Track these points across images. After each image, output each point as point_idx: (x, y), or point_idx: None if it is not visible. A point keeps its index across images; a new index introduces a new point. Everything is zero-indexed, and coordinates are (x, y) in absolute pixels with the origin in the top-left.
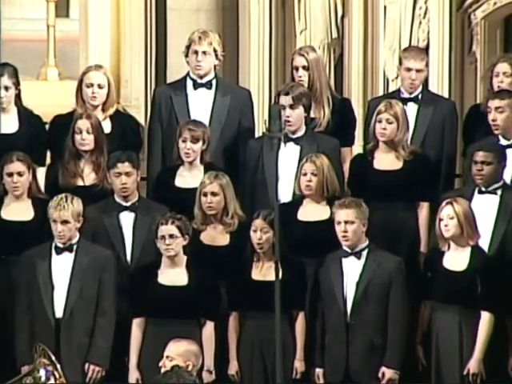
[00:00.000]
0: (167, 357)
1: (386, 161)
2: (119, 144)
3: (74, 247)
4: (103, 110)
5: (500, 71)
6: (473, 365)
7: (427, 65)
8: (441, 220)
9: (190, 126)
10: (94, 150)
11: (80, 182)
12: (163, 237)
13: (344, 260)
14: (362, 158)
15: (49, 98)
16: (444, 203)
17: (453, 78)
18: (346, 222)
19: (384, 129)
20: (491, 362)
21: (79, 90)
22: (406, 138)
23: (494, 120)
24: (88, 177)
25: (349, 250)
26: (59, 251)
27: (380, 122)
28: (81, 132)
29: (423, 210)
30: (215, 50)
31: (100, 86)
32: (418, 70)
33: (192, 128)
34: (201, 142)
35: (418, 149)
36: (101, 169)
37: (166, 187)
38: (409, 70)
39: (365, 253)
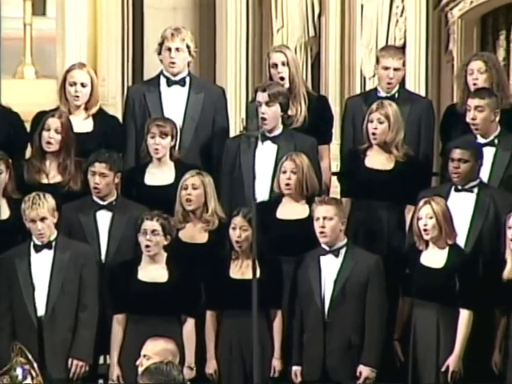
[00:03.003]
0: (144, 355)
1: (377, 160)
2: (100, 144)
3: (53, 244)
4: (86, 109)
5: (474, 68)
6: (452, 362)
7: (404, 64)
8: (419, 219)
9: (157, 121)
10: (60, 151)
11: (44, 180)
12: (145, 232)
13: (322, 258)
14: (353, 154)
15: (26, 96)
16: (422, 202)
17: (429, 76)
18: (324, 218)
19: (375, 128)
20: (470, 359)
21: (62, 88)
22: (400, 138)
23: (473, 119)
24: (53, 176)
25: (327, 248)
26: (38, 249)
27: (371, 121)
28: (49, 130)
29: (410, 212)
30: (188, 47)
31: (83, 85)
32: (395, 69)
33: (160, 123)
34: (169, 138)
35: (412, 151)
36: (66, 170)
37: (136, 185)
38: (386, 68)
39: (343, 251)
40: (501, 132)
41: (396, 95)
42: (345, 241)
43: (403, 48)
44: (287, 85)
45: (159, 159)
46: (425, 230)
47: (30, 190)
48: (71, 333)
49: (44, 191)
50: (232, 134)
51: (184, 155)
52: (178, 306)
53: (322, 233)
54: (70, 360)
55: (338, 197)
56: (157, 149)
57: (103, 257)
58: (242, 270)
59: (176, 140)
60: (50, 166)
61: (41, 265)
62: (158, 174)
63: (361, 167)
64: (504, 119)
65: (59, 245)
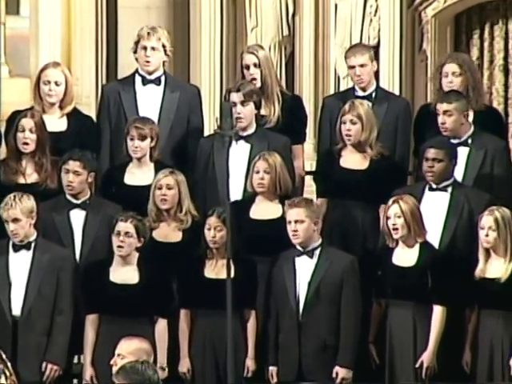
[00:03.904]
0: (118, 355)
1: (352, 160)
2: (74, 143)
3: (32, 245)
4: (60, 108)
5: (449, 71)
6: (426, 358)
7: (371, 58)
8: (388, 218)
9: (136, 123)
10: (36, 150)
11: (21, 180)
12: (119, 233)
13: (297, 259)
14: (329, 154)
15: None
16: (391, 201)
17: (403, 75)
18: (296, 222)
19: (348, 130)
20: (444, 355)
21: (37, 87)
22: (373, 137)
23: (442, 123)
24: (30, 175)
25: (301, 249)
26: (17, 248)
27: (344, 123)
28: (23, 130)
29: None
30: (164, 46)
31: (57, 84)
32: (361, 65)
33: (139, 126)
34: (148, 140)
35: (386, 150)
36: (43, 169)
37: (115, 184)
38: (352, 67)
39: (317, 252)
40: (474, 132)
41: (373, 94)
42: (319, 241)
43: (377, 47)
44: (259, 85)
45: (139, 159)
46: (394, 229)
47: (9, 191)
48: (46, 336)
49: (22, 191)
50: (206, 133)
51: (160, 154)
52: (149, 306)
53: (294, 235)
54: (44, 364)
55: (314, 196)
56: (136, 151)
57: (78, 256)
58: (216, 269)
59: (156, 141)
60: (26, 166)
61: (19, 265)
62: (138, 174)
63: (336, 167)
64: (478, 119)
65: (38, 247)
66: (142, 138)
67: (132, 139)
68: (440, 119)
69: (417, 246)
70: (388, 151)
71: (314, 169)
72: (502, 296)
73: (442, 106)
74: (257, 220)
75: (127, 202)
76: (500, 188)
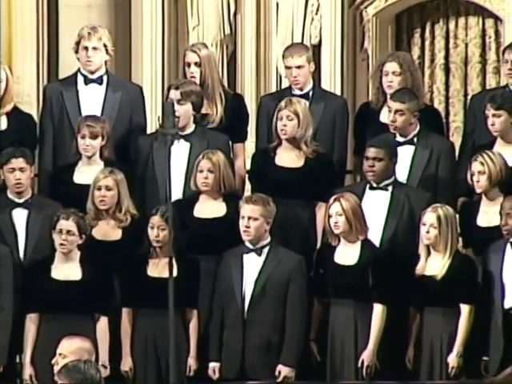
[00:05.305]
0: (60, 354)
1: (287, 158)
2: (14, 141)
3: None
4: (0, 107)
5: (389, 70)
6: (366, 356)
7: (309, 60)
8: (330, 217)
9: (88, 122)
10: None
11: None
12: (61, 231)
13: (245, 256)
14: (263, 153)
15: None
16: (332, 200)
17: (345, 74)
18: (249, 218)
19: (284, 125)
20: (386, 353)
21: None
22: (309, 135)
23: (393, 121)
24: None
25: (250, 246)
26: None
27: (281, 119)
28: None
29: (321, 209)
30: (105, 46)
31: None
32: (297, 67)
33: (90, 124)
34: (100, 138)
35: (321, 148)
36: None
37: (64, 183)
38: (289, 68)
39: (266, 250)
40: (420, 131)
41: (310, 93)
42: (268, 239)
43: (319, 46)
44: (199, 84)
45: (89, 158)
46: (335, 227)
47: None
48: None
49: None
50: (149, 132)
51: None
52: (91, 304)
53: (245, 231)
54: None
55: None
56: (86, 149)
57: (22, 255)
58: (159, 268)
59: (107, 139)
60: None
61: None
62: (87, 173)
63: (271, 165)
64: (418, 118)
65: None
66: (94, 136)
67: (83, 137)
68: (390, 117)
69: (358, 245)
70: (324, 149)
71: None
72: (441, 293)
73: (394, 105)
74: (201, 218)
75: (76, 200)
76: (444, 187)
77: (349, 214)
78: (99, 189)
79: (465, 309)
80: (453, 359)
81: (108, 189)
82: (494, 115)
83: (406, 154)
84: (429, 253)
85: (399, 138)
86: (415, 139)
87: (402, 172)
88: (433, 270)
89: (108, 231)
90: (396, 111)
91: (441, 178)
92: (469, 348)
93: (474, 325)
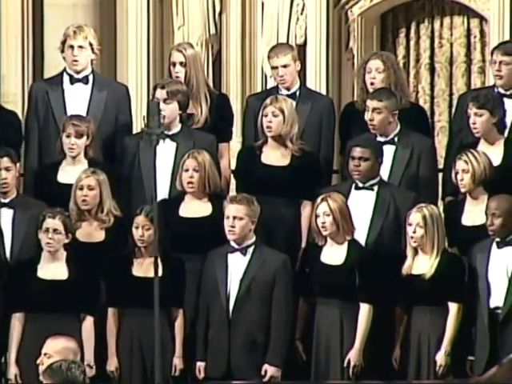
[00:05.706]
0: (45, 354)
1: (273, 156)
2: None
3: None
4: None
5: (372, 68)
6: (353, 355)
7: (295, 59)
8: (317, 216)
9: (73, 121)
10: None
11: None
12: (47, 230)
13: (230, 255)
14: (249, 150)
15: None
16: (319, 200)
17: (330, 74)
18: (234, 218)
19: (270, 122)
20: (373, 353)
21: None
22: (294, 132)
23: (371, 120)
24: None
25: (235, 246)
26: None
27: (266, 116)
28: None
29: (306, 208)
30: (91, 44)
31: None
32: (283, 66)
33: (76, 123)
34: (85, 137)
35: (307, 146)
36: None
37: (48, 182)
38: (275, 68)
39: (251, 249)
40: (401, 130)
41: (297, 93)
42: (253, 239)
43: (304, 46)
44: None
45: (74, 157)
46: (323, 228)
47: None
48: None
49: None
50: (135, 131)
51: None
52: (77, 304)
53: (230, 231)
54: None
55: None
56: (72, 148)
57: (8, 255)
58: (144, 268)
59: (92, 139)
60: None
61: None
62: (72, 172)
63: (257, 164)
64: (403, 117)
65: None
66: (79, 135)
67: (68, 136)
68: (368, 116)
69: (345, 245)
70: (309, 148)
71: None
72: (429, 292)
73: (371, 103)
74: (186, 218)
75: (60, 200)
76: (425, 186)
77: (336, 214)
78: (81, 188)
79: (453, 307)
80: (441, 357)
81: (90, 188)
82: (475, 114)
83: (386, 153)
84: (416, 252)
85: (380, 138)
86: (396, 139)
87: (383, 172)
88: (421, 269)
89: (91, 233)
90: (373, 109)
91: (422, 177)
92: (456, 347)
93: (461, 323)
